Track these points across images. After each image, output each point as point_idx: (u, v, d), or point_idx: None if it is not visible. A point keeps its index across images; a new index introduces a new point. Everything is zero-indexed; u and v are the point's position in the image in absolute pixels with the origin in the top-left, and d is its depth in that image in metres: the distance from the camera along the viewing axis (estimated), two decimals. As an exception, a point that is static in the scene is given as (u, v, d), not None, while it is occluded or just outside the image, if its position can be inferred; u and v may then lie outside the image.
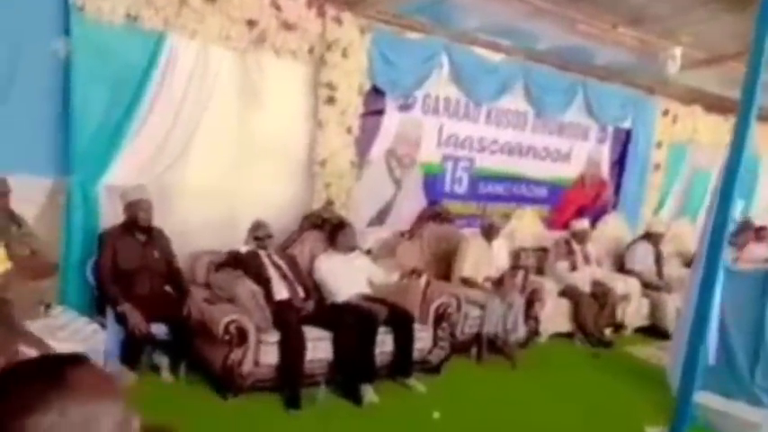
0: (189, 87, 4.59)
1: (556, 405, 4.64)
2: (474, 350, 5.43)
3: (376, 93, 5.52)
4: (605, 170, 7.60)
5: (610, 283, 6.52)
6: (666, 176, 8.10)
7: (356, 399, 4.27)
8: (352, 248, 4.99)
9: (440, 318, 4.94)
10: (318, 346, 4.31)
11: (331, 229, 5.03)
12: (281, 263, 4.67)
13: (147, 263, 4.10)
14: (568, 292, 6.31)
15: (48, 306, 3.57)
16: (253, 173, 4.96)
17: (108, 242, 4.01)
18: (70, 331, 3.52)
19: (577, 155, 7.22)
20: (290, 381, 4.13)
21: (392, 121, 5.71)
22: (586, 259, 6.60)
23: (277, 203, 5.09)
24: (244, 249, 4.64)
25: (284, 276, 4.60)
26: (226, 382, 4.05)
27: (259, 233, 4.67)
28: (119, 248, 4.01)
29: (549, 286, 6.17)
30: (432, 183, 6.15)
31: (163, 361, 4.19)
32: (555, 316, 6.19)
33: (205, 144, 4.76)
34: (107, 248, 3.99)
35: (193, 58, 4.58)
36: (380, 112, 5.62)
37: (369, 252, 5.45)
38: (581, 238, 6.56)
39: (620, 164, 7.72)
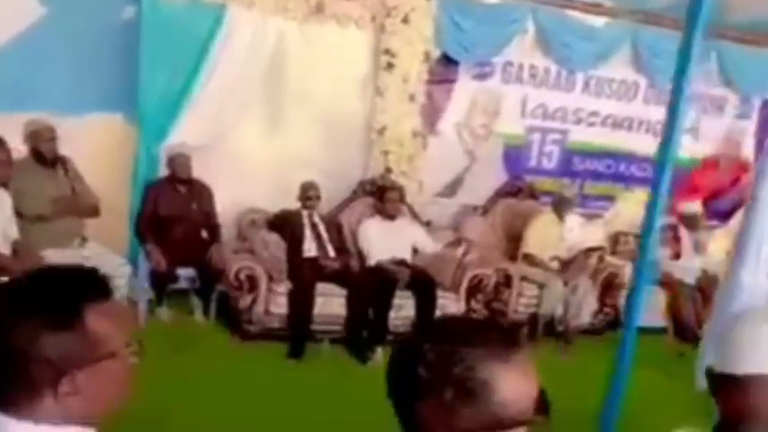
0: (248, 57, 4.93)
1: (569, 399, 4.23)
2: (525, 330, 5.13)
3: (447, 61, 5.43)
4: (749, 151, 6.57)
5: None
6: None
7: (362, 358, 4.36)
8: (394, 215, 5.01)
9: (474, 289, 4.77)
10: (331, 302, 4.45)
11: (379, 195, 5.10)
12: (319, 223, 4.86)
13: (185, 212, 4.56)
14: (666, 283, 5.63)
15: (84, 240, 4.16)
16: (309, 138, 5.20)
17: (150, 192, 4.54)
18: (95, 263, 4.07)
19: (708, 131, 6.34)
20: (294, 331, 4.34)
21: (465, 90, 5.56)
22: (699, 248, 5.81)
23: (333, 169, 5.26)
24: (291, 209, 4.92)
25: (318, 236, 4.79)
26: (237, 327, 4.38)
27: (307, 194, 4.90)
28: (159, 198, 4.53)
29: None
30: (514, 156, 5.87)
31: (196, 303, 4.65)
32: (647, 307, 5.56)
33: (264, 111, 5.12)
34: (148, 197, 4.52)
35: (252, 29, 4.91)
36: (452, 81, 5.51)
37: (428, 223, 5.41)
38: (691, 223, 5.79)
39: (772, 143, 6.61)
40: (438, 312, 4.64)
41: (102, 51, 4.71)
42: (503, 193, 5.82)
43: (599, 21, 5.70)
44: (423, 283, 4.61)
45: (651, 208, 2.71)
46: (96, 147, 4.75)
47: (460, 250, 4.90)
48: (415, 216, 5.33)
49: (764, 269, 3.42)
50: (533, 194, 5.86)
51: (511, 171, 5.88)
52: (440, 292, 4.75)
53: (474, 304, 4.79)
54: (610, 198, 6.27)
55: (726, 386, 1.27)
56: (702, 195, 6.52)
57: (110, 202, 4.45)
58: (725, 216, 6.58)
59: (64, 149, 4.19)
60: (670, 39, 5.80)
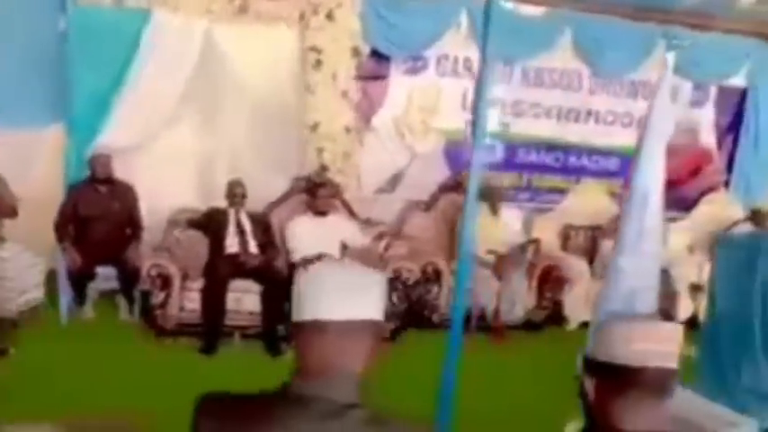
0: (175, 59, 5.02)
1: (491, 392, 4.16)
2: (458, 325, 5.06)
3: (379, 56, 5.43)
4: (708, 139, 6.39)
5: (675, 269, 5.53)
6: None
7: (276, 353, 4.36)
8: (325, 211, 5.01)
9: (395, 283, 4.73)
10: (246, 299, 4.47)
11: (310, 192, 5.11)
12: (246, 221, 4.89)
13: (106, 212, 4.63)
14: (612, 276, 5.49)
15: (2, 240, 4.26)
16: (243, 137, 5.25)
17: (71, 193, 4.63)
18: (11, 263, 4.17)
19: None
20: (207, 327, 4.36)
21: (401, 85, 5.55)
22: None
23: (267, 167, 5.29)
24: (218, 207, 4.97)
25: (242, 233, 4.81)
26: (153, 324, 4.42)
27: (233, 192, 4.94)
28: (80, 198, 4.61)
29: (583, 267, 5.47)
30: (455, 151, 5.82)
31: (120, 301, 4.71)
32: (590, 302, 5.45)
33: (196, 111, 5.19)
34: (68, 198, 4.61)
35: (178, 31, 4.99)
36: (384, 76, 5.50)
37: (367, 220, 5.39)
38: (639, 214, 5.64)
39: (735, 132, 6.42)
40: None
41: (38, 62, 4.84)
42: (445, 188, 5.78)
43: (537, 10, 5.64)
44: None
45: (469, 200, 2.66)
46: (31, 152, 4.89)
47: (382, 245, 4.87)
48: (351, 212, 5.33)
49: (647, 250, 3.32)
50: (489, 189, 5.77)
51: (453, 166, 5.83)
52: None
53: (395, 298, 4.75)
54: (561, 191, 6.16)
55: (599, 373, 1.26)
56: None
57: (42, 204, 4.58)
58: (686, 207, 6.41)
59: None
60: (613, 27, 5.77)
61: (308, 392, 1.13)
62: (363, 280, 1.22)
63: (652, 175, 3.38)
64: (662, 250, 3.46)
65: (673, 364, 1.18)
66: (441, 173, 5.80)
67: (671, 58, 3.56)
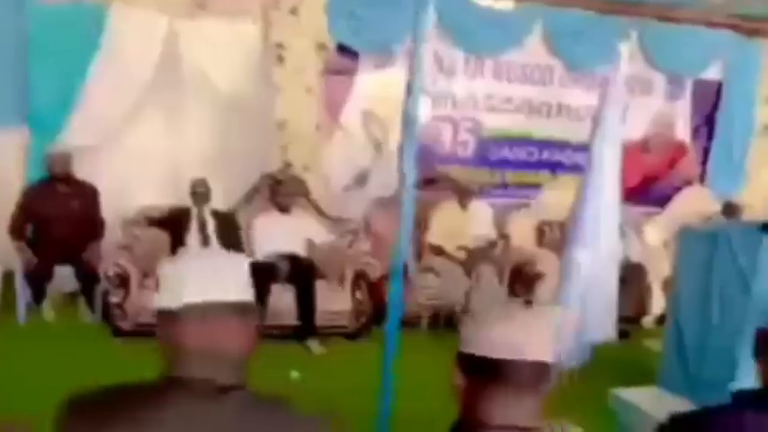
0: (136, 55, 4.94)
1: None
2: (425, 321, 5.01)
3: (345, 51, 5.36)
4: (683, 133, 6.33)
5: (650, 264, 5.47)
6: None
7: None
8: (288, 208, 4.95)
9: (359, 280, 4.67)
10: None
11: (272, 189, 5.05)
12: (208, 218, 4.82)
13: (65, 211, 4.55)
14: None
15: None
16: (208, 135, 5.17)
17: (28, 192, 4.56)
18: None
19: (636, 114, 6.11)
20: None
21: (368, 80, 5.47)
22: (622, 235, 5.58)
23: (234, 164, 5.22)
24: (182, 206, 4.90)
25: (201, 230, 4.74)
26: (112, 324, 4.35)
27: (196, 190, 4.87)
28: (38, 198, 4.54)
29: (557, 263, 5.40)
30: (426, 146, 5.71)
31: (81, 301, 4.64)
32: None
33: (160, 108, 5.11)
34: (25, 197, 4.54)
35: (138, 27, 4.92)
36: (352, 72, 5.43)
37: (335, 218, 5.32)
38: (610, 208, 5.58)
39: (710, 125, 6.36)
40: (322, 304, 4.57)
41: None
42: (416, 185, 5.68)
43: (507, 4, 5.57)
44: (302, 276, 4.53)
45: (405, 194, 2.60)
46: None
47: (345, 242, 4.80)
48: (318, 209, 5.26)
49: (603, 244, 3.28)
50: (451, 185, 5.72)
51: (424, 161, 5.73)
52: (326, 284, 4.69)
53: (359, 295, 4.69)
54: (536, 186, 6.09)
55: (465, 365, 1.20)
56: (636, 180, 6.31)
57: (6, 205, 4.53)
58: (662, 201, 6.35)
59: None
60: (584, 20, 5.70)
61: (185, 375, 1.12)
62: (225, 263, 1.22)
63: (606, 169, 3.34)
64: (619, 244, 3.41)
65: (543, 356, 1.10)
66: (411, 169, 5.71)
67: (625, 49, 3.50)
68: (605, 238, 3.26)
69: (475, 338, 1.11)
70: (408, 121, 2.55)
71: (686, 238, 3.59)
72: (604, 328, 3.30)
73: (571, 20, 5.68)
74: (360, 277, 4.68)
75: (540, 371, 1.08)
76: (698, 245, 3.48)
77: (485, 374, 1.09)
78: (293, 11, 5.04)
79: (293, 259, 4.66)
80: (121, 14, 4.83)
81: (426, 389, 3.93)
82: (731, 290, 3.29)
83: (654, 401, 3.59)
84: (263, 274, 4.51)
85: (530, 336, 1.08)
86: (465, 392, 1.13)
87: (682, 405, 3.48)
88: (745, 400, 1.22)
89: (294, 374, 3.99)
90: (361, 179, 5.64)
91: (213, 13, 4.98)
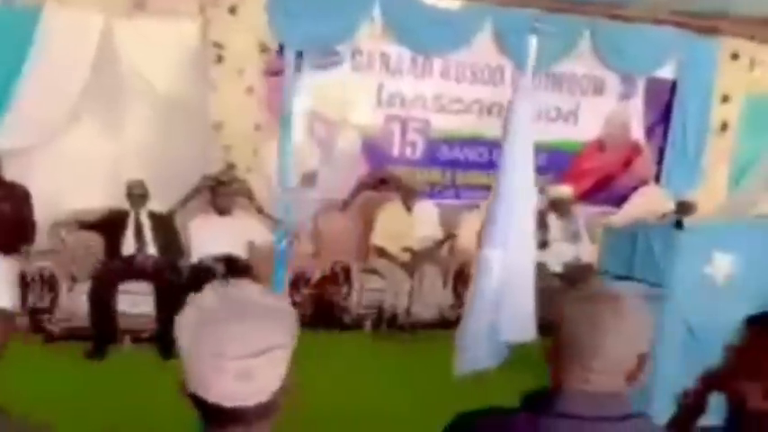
0: (71, 55, 4.87)
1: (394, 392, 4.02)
2: (368, 324, 4.94)
3: (290, 51, 5.28)
4: (638, 132, 6.28)
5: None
6: (745, 139, 6.40)
7: (168, 355, 4.23)
8: (227, 210, 4.89)
9: (297, 281, 4.61)
10: (138, 301, 4.33)
11: (211, 190, 4.98)
12: (145, 221, 4.75)
13: (-5, 216, 4.47)
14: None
15: None
16: (147, 136, 5.09)
17: (-44, 196, 4.47)
18: None
19: (589, 114, 6.08)
20: (96, 331, 4.22)
21: (313, 80, 5.39)
22: (573, 236, 5.53)
23: (173, 166, 5.13)
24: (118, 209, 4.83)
25: (139, 234, 4.67)
26: (40, 329, 4.26)
27: (132, 192, 4.79)
28: (-34, 202, 4.45)
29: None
30: (374, 147, 5.68)
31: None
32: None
33: (97, 109, 5.02)
34: (-48, 201, 4.45)
35: (72, 27, 4.84)
36: (296, 72, 5.35)
37: (279, 220, 5.25)
38: (560, 207, 5.52)
39: (664, 124, 6.32)
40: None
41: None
42: (365, 186, 5.64)
43: (453, 3, 5.52)
44: (238, 278, 4.45)
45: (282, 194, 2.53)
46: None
47: (284, 243, 4.73)
48: (260, 211, 5.19)
49: (516, 243, 3.22)
50: (400, 186, 5.64)
51: (372, 163, 5.69)
52: (265, 286, 4.61)
53: (297, 297, 4.62)
54: (487, 187, 5.99)
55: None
56: (592, 180, 6.27)
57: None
58: (618, 201, 6.30)
59: None
60: (533, 19, 5.64)
61: None
62: None
63: (519, 168, 3.27)
64: (533, 243, 3.34)
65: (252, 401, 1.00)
66: (359, 170, 5.65)
67: (533, 43, 3.44)
68: (519, 237, 3.19)
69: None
70: (283, 120, 2.47)
71: (608, 236, 3.53)
72: (523, 328, 3.23)
73: (521, 19, 5.61)
74: (298, 279, 4.60)
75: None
76: (619, 243, 3.44)
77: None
78: (232, 10, 4.98)
79: (229, 261, 4.59)
80: (55, 14, 4.74)
81: (366, 389, 3.89)
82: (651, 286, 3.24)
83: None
84: (197, 277, 4.45)
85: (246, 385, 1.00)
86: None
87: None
88: (531, 401, 1.15)
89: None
90: (310, 180, 5.57)
91: (150, 13, 4.91)
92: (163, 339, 4.30)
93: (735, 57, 6.18)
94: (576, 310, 1.17)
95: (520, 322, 3.18)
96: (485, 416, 1.18)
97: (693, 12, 5.87)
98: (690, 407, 1.55)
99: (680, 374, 3.17)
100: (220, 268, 4.48)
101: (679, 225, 3.04)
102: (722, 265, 3.07)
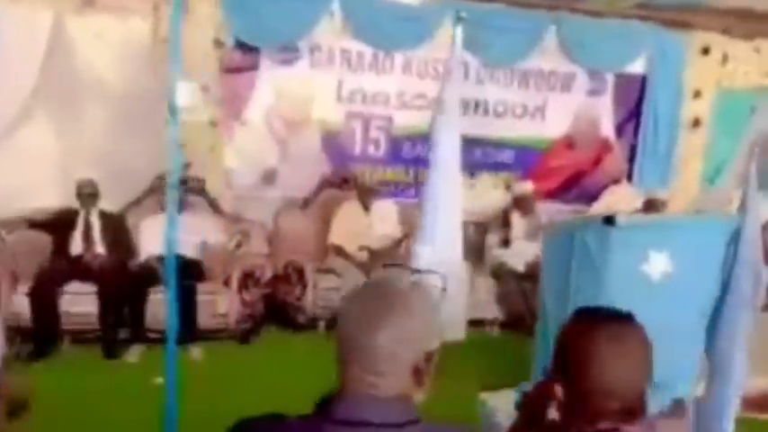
0: (18, 54, 4.79)
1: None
2: (323, 324, 4.85)
3: (247, 48, 5.21)
4: (608, 129, 6.16)
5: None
6: (718, 136, 6.28)
7: (111, 356, 4.17)
8: (180, 208, 4.79)
9: (246, 281, 4.51)
10: (79, 300, 4.25)
11: (163, 189, 4.89)
12: (95, 220, 4.67)
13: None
14: (496, 272, 5.27)
15: None
16: (100, 134, 5.01)
17: None
18: None
19: (557, 110, 5.96)
20: (36, 331, 4.15)
21: (271, 77, 5.31)
22: (534, 233, 5.41)
23: (127, 165, 5.05)
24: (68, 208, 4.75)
25: (86, 234, 4.59)
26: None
27: (82, 191, 4.71)
28: None
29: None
30: (335, 145, 5.59)
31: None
32: (476, 299, 5.22)
33: (49, 107, 4.96)
34: None
35: (20, 25, 4.77)
36: (253, 68, 5.27)
37: (236, 218, 5.17)
38: (523, 204, 5.42)
39: (635, 121, 6.20)
40: (209, 306, 4.43)
41: None
42: (327, 184, 5.55)
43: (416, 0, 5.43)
44: (184, 278, 4.36)
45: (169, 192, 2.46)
46: None
47: (233, 243, 4.64)
48: (217, 210, 5.12)
49: (443, 238, 3.12)
50: (361, 185, 5.54)
51: (334, 160, 5.59)
52: (213, 286, 4.55)
53: (246, 297, 4.52)
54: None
55: None
56: (562, 178, 6.17)
57: None
58: (589, 199, 6.19)
59: None
60: (498, 14, 5.55)
61: None
62: None
63: (446, 162, 3.17)
64: (460, 238, 3.23)
65: None
66: (321, 167, 5.56)
67: (458, 33, 3.34)
68: (447, 233, 3.09)
69: None
70: (171, 112, 2.39)
71: (549, 235, 3.43)
72: (452, 326, 3.13)
73: (484, 14, 5.52)
74: (247, 278, 4.51)
75: None
76: (558, 242, 3.32)
77: None
78: (184, 8, 4.88)
79: (181, 261, 4.49)
80: (3, 10, 4.68)
81: (314, 391, 3.81)
82: (586, 286, 3.13)
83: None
84: (141, 277, 4.38)
85: None
86: None
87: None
88: (322, 405, 1.06)
89: (159, 380, 3.82)
90: (270, 178, 5.48)
91: (102, 9, 4.84)
92: (107, 340, 4.24)
93: (706, 51, 6.06)
94: (351, 307, 1.08)
95: (449, 321, 3.08)
96: (259, 421, 1.09)
97: (664, 4, 5.76)
98: (529, 410, 1.42)
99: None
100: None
101: (610, 222, 2.93)
102: (658, 263, 2.96)
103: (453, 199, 3.11)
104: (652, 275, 2.98)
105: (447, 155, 3.14)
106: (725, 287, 3.15)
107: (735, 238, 3.12)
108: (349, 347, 1.06)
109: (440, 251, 3.06)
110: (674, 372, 3.07)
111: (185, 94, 2.61)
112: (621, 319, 1.28)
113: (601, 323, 1.27)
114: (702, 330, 3.16)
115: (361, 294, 1.10)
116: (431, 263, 3.07)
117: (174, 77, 2.46)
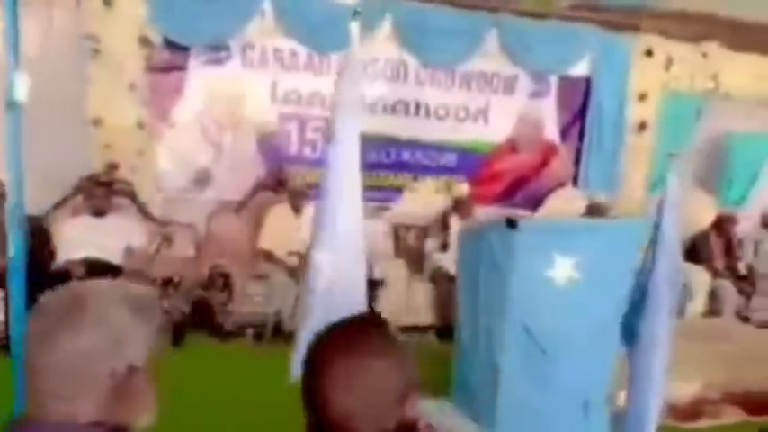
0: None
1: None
2: (251, 332, 4.69)
3: (175, 46, 5.05)
4: (552, 132, 6.07)
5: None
6: (666, 139, 6.21)
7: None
8: (102, 212, 4.64)
9: (167, 286, 4.35)
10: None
11: (86, 191, 4.72)
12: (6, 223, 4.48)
13: None
14: (434, 277, 5.16)
15: None
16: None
17: None
18: None
19: (500, 113, 5.86)
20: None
21: (202, 76, 5.16)
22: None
23: (49, 167, 4.85)
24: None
25: (3, 236, 4.41)
26: None
27: (-6, 193, 4.54)
28: None
29: (403, 268, 5.14)
30: (270, 146, 5.44)
31: None
32: (413, 305, 5.11)
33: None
34: None
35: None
36: (182, 68, 5.11)
37: (163, 222, 4.99)
38: (462, 208, 5.31)
39: (580, 124, 6.12)
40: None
41: None
42: (262, 187, 5.40)
43: (351, -2, 5.30)
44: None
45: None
46: None
47: (153, 247, 4.48)
48: (144, 213, 4.94)
49: (344, 244, 2.98)
50: (296, 188, 5.39)
51: (269, 162, 5.44)
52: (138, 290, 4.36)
53: (166, 303, 4.35)
54: (397, 189, 5.79)
55: None
56: (506, 182, 6.06)
57: None
58: (535, 203, 6.09)
59: None
60: (438, 14, 5.45)
61: None
62: None
63: (343, 163, 3.03)
64: (362, 245, 3.10)
65: None
66: (256, 169, 5.41)
67: (355, 28, 3.21)
68: (346, 238, 2.95)
69: None
70: (9, 106, 2.24)
71: (462, 239, 3.31)
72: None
73: (422, 13, 5.42)
74: (167, 284, 4.35)
75: None
76: (470, 246, 3.22)
77: None
78: (107, 2, 4.73)
79: (91, 265, 4.33)
80: None
81: (240, 407, 3.66)
82: (493, 290, 3.02)
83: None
84: (55, 281, 4.19)
85: None
86: None
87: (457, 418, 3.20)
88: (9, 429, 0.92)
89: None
90: (202, 180, 5.31)
91: (21, 3, 4.65)
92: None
93: (649, 54, 6.00)
94: (31, 324, 0.93)
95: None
96: None
97: (608, 6, 5.71)
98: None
99: (522, 381, 2.96)
100: (80, 272, 4.21)
101: (512, 225, 2.82)
102: (563, 267, 2.85)
103: (352, 204, 2.97)
104: (557, 280, 2.88)
105: (343, 156, 3.00)
106: (643, 293, 3.05)
107: (653, 244, 3.03)
108: (28, 371, 0.92)
109: (339, 257, 2.91)
110: (582, 376, 2.97)
111: (24, 87, 2.38)
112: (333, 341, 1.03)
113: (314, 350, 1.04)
114: (615, 336, 3.05)
115: (40, 309, 0.96)
116: (330, 269, 2.92)
117: (12, 69, 2.27)
